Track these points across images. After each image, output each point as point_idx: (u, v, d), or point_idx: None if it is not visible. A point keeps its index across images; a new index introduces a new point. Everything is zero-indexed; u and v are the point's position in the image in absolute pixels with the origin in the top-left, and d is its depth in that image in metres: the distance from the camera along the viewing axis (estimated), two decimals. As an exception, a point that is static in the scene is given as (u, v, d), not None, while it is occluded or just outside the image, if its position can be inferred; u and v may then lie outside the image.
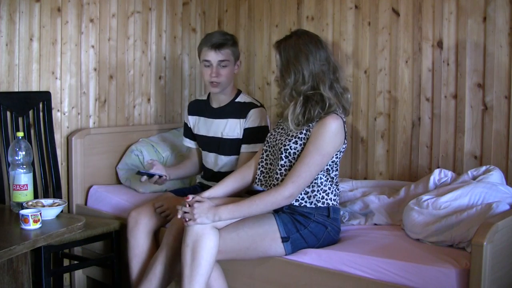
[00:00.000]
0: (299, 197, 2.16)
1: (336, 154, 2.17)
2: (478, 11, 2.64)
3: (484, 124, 2.66)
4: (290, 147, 2.16)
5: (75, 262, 2.84)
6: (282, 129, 2.28)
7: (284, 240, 2.12)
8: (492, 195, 2.14)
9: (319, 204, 2.17)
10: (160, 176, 2.51)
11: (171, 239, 2.26)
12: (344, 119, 2.18)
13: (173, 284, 2.36)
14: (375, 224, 2.43)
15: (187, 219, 2.07)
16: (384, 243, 2.15)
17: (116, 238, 2.66)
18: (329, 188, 2.19)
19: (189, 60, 3.65)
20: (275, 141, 2.25)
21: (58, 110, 2.98)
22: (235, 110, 2.63)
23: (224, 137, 2.63)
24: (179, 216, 2.10)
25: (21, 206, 2.19)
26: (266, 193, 2.12)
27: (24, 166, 2.26)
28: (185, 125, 2.84)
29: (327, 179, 2.19)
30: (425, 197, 2.23)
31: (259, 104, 2.65)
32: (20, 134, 2.31)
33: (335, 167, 2.20)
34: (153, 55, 3.43)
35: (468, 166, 2.65)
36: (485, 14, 2.62)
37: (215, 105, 2.70)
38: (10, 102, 2.71)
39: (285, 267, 2.15)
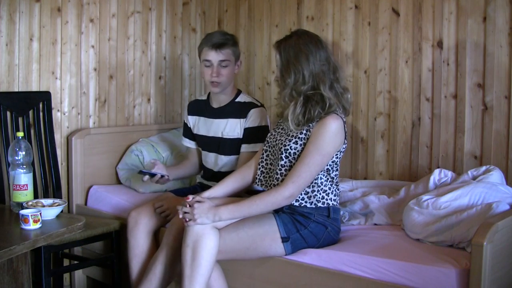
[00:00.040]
0: (299, 197, 2.16)
1: (336, 154, 2.17)
2: (478, 11, 2.64)
3: (484, 124, 2.66)
4: (290, 147, 2.16)
5: (75, 262, 2.84)
6: (282, 129, 2.28)
7: (284, 240, 2.12)
8: (492, 195, 2.14)
9: (319, 204, 2.17)
10: (162, 176, 2.51)
11: (171, 239, 2.26)
12: (344, 119, 2.18)
13: (173, 284, 2.36)
14: (375, 224, 2.43)
15: (187, 219, 2.07)
16: (384, 243, 2.15)
17: (116, 238, 2.66)
18: (329, 188, 2.19)
19: (189, 60, 3.65)
20: (275, 141, 2.25)
21: (58, 110, 2.98)
22: (235, 110, 2.63)
23: (224, 137, 2.63)
24: (180, 216, 2.10)
25: (21, 206, 2.19)
26: (266, 193, 2.12)
27: (24, 166, 2.26)
28: (185, 125, 2.84)
29: (327, 179, 2.19)
30: (425, 197, 2.23)
31: (259, 104, 2.65)
32: (20, 134, 2.31)
33: (335, 167, 2.20)
34: (153, 55, 3.43)
35: (468, 166, 2.65)
36: (485, 14, 2.62)
37: (215, 105, 2.70)
38: (10, 102, 2.71)
39: (285, 267, 2.15)
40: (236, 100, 2.66)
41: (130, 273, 2.45)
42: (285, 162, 2.17)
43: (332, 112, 2.13)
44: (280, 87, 2.24)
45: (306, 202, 2.17)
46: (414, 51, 2.88)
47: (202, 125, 2.73)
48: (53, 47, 2.92)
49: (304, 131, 2.16)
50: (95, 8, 3.09)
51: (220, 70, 2.56)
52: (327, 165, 2.16)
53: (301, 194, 2.16)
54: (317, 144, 2.09)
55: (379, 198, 2.51)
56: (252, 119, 2.59)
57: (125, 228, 2.54)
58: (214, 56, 2.55)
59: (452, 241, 2.04)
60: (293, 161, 2.16)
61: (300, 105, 2.15)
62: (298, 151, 2.15)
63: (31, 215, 1.99)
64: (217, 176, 2.61)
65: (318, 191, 2.17)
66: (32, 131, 2.82)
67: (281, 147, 2.18)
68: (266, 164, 2.29)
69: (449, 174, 2.46)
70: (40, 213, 2.02)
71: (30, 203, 2.19)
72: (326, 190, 2.18)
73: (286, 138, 2.20)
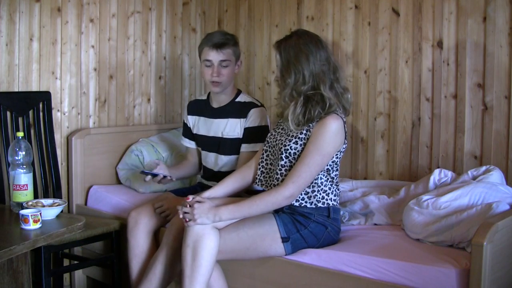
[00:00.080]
0: (299, 197, 2.16)
1: (337, 154, 2.17)
2: (478, 11, 2.64)
3: (484, 124, 2.66)
4: (290, 147, 2.16)
5: (75, 262, 2.85)
6: (282, 129, 2.28)
7: (284, 240, 2.12)
8: (492, 195, 2.14)
9: (319, 204, 2.17)
10: (165, 176, 2.51)
11: (171, 238, 2.26)
12: (344, 119, 2.18)
13: (173, 284, 2.36)
14: (375, 224, 2.43)
15: (187, 220, 2.07)
16: (384, 243, 2.15)
17: (116, 238, 2.66)
18: (329, 188, 2.19)
19: (189, 60, 3.65)
20: (275, 141, 2.25)
21: (58, 110, 2.98)
22: (235, 110, 2.63)
23: (224, 137, 2.63)
24: (180, 216, 2.10)
25: (21, 206, 2.19)
26: (267, 193, 2.12)
27: (24, 166, 2.26)
28: (185, 125, 2.84)
29: (327, 179, 2.19)
30: (425, 197, 2.23)
31: (259, 104, 2.65)
32: (20, 134, 2.31)
33: (335, 167, 2.20)
34: (153, 55, 3.43)
35: (468, 166, 2.65)
36: (485, 14, 2.62)
37: (215, 105, 2.70)
38: (10, 102, 2.71)
39: (285, 267, 2.15)
40: (236, 100, 2.66)
41: (130, 273, 2.46)
42: (285, 162, 2.17)
43: (332, 112, 2.13)
44: (280, 87, 2.23)
45: (306, 202, 2.17)
46: (414, 51, 2.88)
47: (202, 125, 2.73)
48: (53, 47, 2.92)
49: (304, 131, 2.16)
50: (95, 8, 3.09)
51: (221, 70, 2.56)
52: (327, 165, 2.16)
53: (301, 194, 2.16)
54: (317, 144, 2.09)
55: (379, 198, 2.51)
56: (252, 119, 2.59)
57: (125, 228, 2.54)
58: (214, 56, 2.55)
59: (452, 241, 2.04)
60: (293, 161, 2.16)
61: (300, 105, 2.15)
62: (298, 151, 2.15)
63: (31, 215, 1.99)
64: (217, 176, 2.61)
65: (318, 191, 2.17)
66: (32, 131, 2.82)
67: (281, 147, 2.18)
68: (266, 164, 2.29)
69: (449, 174, 2.46)
70: (40, 213, 2.02)
71: (30, 203, 2.19)
72: (326, 190, 2.18)
73: (286, 138, 2.20)
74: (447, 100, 2.78)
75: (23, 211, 2.03)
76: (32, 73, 2.85)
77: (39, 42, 2.85)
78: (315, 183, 2.16)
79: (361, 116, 3.10)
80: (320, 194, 2.17)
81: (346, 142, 2.19)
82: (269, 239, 2.12)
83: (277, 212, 2.18)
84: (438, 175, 2.46)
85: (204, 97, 2.79)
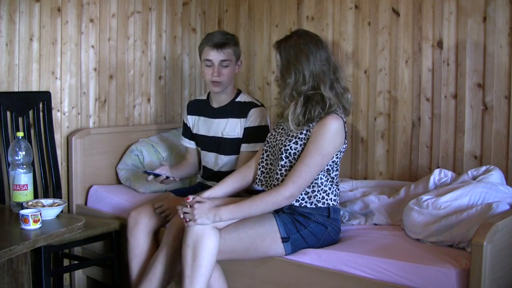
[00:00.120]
0: (299, 198, 2.16)
1: (337, 154, 2.17)
2: (478, 11, 2.64)
3: (484, 124, 2.66)
4: (291, 147, 2.16)
5: (75, 262, 2.85)
6: (282, 129, 2.28)
7: (284, 240, 2.12)
8: (492, 195, 2.14)
9: (319, 205, 2.17)
10: (167, 177, 2.51)
11: (171, 238, 2.26)
12: (345, 119, 2.18)
13: (173, 284, 2.36)
14: (375, 224, 2.43)
15: (187, 220, 2.07)
16: (384, 243, 2.15)
17: (116, 238, 2.66)
18: (330, 188, 2.19)
19: (189, 60, 3.65)
20: (275, 141, 2.25)
21: (58, 110, 2.98)
22: (235, 109, 2.63)
23: (224, 136, 2.63)
24: (181, 216, 2.10)
25: (21, 206, 2.19)
26: (267, 194, 2.12)
27: (24, 166, 2.26)
28: (184, 125, 2.84)
29: (328, 179, 2.19)
30: (425, 197, 2.23)
31: (259, 104, 2.65)
32: (20, 134, 2.31)
33: (336, 167, 2.20)
34: (153, 55, 3.43)
35: (468, 166, 2.65)
36: (485, 14, 2.62)
37: (215, 104, 2.70)
38: (10, 102, 2.71)
39: (285, 267, 2.15)
40: (236, 100, 2.66)
41: (130, 273, 2.45)
42: (285, 162, 2.17)
43: (332, 112, 2.13)
44: (280, 87, 2.23)
45: (306, 202, 2.17)
46: (414, 51, 2.88)
47: (202, 125, 2.73)
48: (53, 47, 2.92)
49: (304, 131, 2.16)
50: (95, 8, 3.09)
51: (221, 70, 2.56)
52: (327, 165, 2.16)
53: (301, 194, 2.16)
54: (317, 144, 2.09)
55: (379, 198, 2.51)
56: (252, 118, 2.59)
57: (125, 228, 2.54)
58: (215, 56, 2.55)
59: (452, 241, 2.04)
60: (293, 161, 2.16)
61: (300, 105, 2.15)
62: (298, 151, 2.15)
63: (31, 215, 1.99)
64: (217, 176, 2.61)
65: (318, 191, 2.17)
66: (32, 131, 2.82)
67: (281, 147, 2.18)
68: (266, 164, 2.29)
69: (449, 174, 2.46)
70: (40, 213, 2.02)
71: (30, 203, 2.19)
72: (326, 190, 2.18)
73: (286, 138, 2.20)
74: (447, 100, 2.78)
75: (23, 211, 2.03)
76: (32, 73, 2.85)
77: (39, 42, 2.85)
78: (315, 183, 2.16)
79: (361, 116, 3.10)
80: (320, 194, 2.17)
81: (346, 142, 2.19)
82: (269, 239, 2.12)
83: (277, 212, 2.18)
84: (438, 175, 2.46)
85: (204, 97, 2.79)
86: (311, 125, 2.15)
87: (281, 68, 2.20)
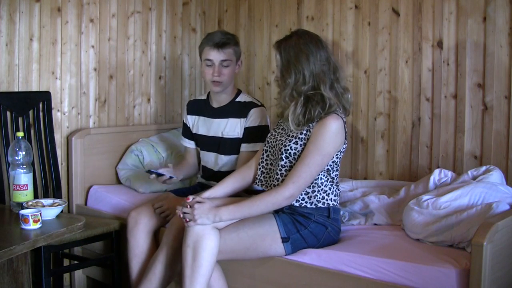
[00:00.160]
0: (299, 198, 2.16)
1: (337, 154, 2.17)
2: (478, 11, 2.64)
3: (484, 124, 2.66)
4: (291, 147, 2.16)
5: (75, 262, 2.85)
6: (282, 129, 2.28)
7: (284, 240, 2.12)
8: (492, 195, 2.14)
9: (320, 205, 2.17)
10: (171, 177, 2.50)
11: (171, 238, 2.26)
12: (345, 119, 2.18)
13: (173, 284, 2.36)
14: (375, 224, 2.43)
15: (187, 219, 2.07)
16: (384, 243, 2.15)
17: (116, 238, 2.66)
18: (330, 189, 2.19)
19: (189, 60, 3.65)
20: (275, 142, 2.25)
21: (58, 110, 2.98)
22: (235, 109, 2.63)
23: (224, 136, 2.63)
24: (181, 216, 2.10)
25: (21, 206, 2.19)
26: (267, 194, 2.12)
27: (24, 166, 2.26)
28: (184, 125, 2.84)
29: (328, 179, 2.18)
30: (425, 197, 2.23)
31: (259, 104, 2.65)
32: (20, 134, 2.31)
33: (336, 167, 2.20)
34: (153, 55, 3.43)
35: (468, 166, 2.65)
36: (485, 14, 2.62)
37: (215, 104, 2.70)
38: (10, 102, 2.71)
39: (285, 267, 2.15)
40: (237, 100, 2.66)
41: (130, 273, 2.45)
42: (285, 163, 2.17)
43: (332, 112, 2.13)
44: (280, 87, 2.23)
45: (306, 202, 2.17)
46: (414, 51, 2.88)
47: (202, 125, 2.73)
48: (53, 47, 2.92)
49: (304, 131, 2.15)
50: (95, 8, 3.09)
51: (222, 70, 2.56)
52: (327, 165, 2.16)
53: (301, 195, 2.16)
54: (318, 144, 2.09)
55: (379, 198, 2.51)
56: (253, 118, 2.59)
57: (125, 228, 2.54)
58: (215, 56, 2.55)
59: (452, 241, 2.04)
60: (293, 161, 2.16)
61: (300, 105, 2.15)
62: (298, 151, 2.15)
63: (31, 215, 1.99)
64: (217, 176, 2.61)
65: (318, 191, 2.17)
66: (32, 131, 2.82)
67: (281, 148, 2.18)
68: (266, 164, 2.29)
69: (449, 174, 2.46)
70: (40, 213, 2.02)
71: (30, 203, 2.18)
72: (326, 191, 2.18)
73: (286, 139, 2.19)
74: (447, 100, 2.78)
75: (23, 211, 2.03)
76: (32, 73, 2.85)
77: (39, 42, 2.85)
78: (315, 183, 2.16)
79: (361, 116, 3.10)
80: (320, 194, 2.17)
81: (346, 142, 2.19)
82: (269, 239, 2.12)
83: (277, 212, 2.18)
84: (438, 175, 2.46)
85: (204, 97, 2.79)
86: (311, 125, 2.15)
87: (281, 68, 2.20)
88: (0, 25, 2.71)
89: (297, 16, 3.35)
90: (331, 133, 2.09)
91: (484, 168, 2.38)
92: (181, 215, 2.09)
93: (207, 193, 2.24)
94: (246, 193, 2.47)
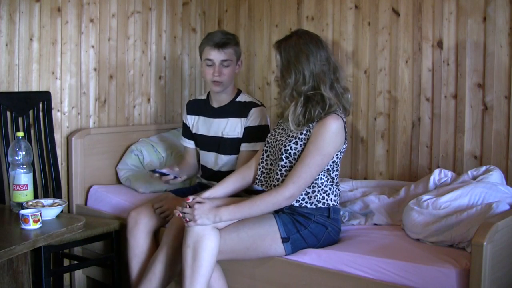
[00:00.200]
0: (299, 198, 2.16)
1: (337, 154, 2.17)
2: (478, 11, 2.64)
3: (484, 124, 2.66)
4: (291, 147, 2.16)
5: (75, 262, 2.85)
6: (282, 129, 2.28)
7: (284, 240, 2.12)
8: (492, 195, 2.14)
9: (320, 205, 2.17)
10: (175, 177, 2.49)
11: (171, 238, 2.26)
12: (345, 119, 2.18)
13: (173, 284, 2.36)
14: (375, 224, 2.43)
15: (187, 219, 2.07)
16: (384, 243, 2.15)
17: (116, 238, 2.66)
18: (330, 189, 2.19)
19: (189, 60, 3.65)
20: (275, 142, 2.25)
21: (58, 110, 2.98)
22: (236, 109, 2.63)
23: (224, 136, 2.63)
24: (176, 215, 2.10)
25: (21, 206, 2.19)
26: (267, 194, 2.12)
27: (24, 166, 2.26)
28: (184, 125, 2.84)
29: (328, 179, 2.18)
30: (425, 197, 2.23)
31: (259, 103, 2.65)
32: (20, 134, 2.31)
33: (336, 168, 2.20)
34: (153, 55, 3.43)
35: (468, 166, 2.65)
36: (485, 14, 2.62)
37: (215, 104, 2.70)
38: (10, 102, 2.71)
39: (285, 267, 2.15)
40: (237, 99, 2.66)
41: (130, 273, 2.46)
42: (285, 163, 2.17)
43: (332, 112, 2.13)
44: (281, 87, 2.23)
45: (306, 202, 2.17)
46: (414, 51, 2.88)
47: (202, 125, 2.73)
48: (53, 47, 2.92)
49: (304, 132, 2.15)
50: (95, 8, 3.09)
51: (222, 70, 2.56)
52: (327, 166, 2.16)
53: (302, 195, 2.16)
54: (318, 144, 2.09)
55: (379, 198, 2.51)
56: (253, 118, 2.59)
57: (125, 228, 2.54)
58: (216, 55, 2.55)
59: (452, 241, 2.04)
60: (293, 161, 2.16)
61: (300, 105, 2.15)
62: (298, 151, 2.15)
63: (31, 215, 1.99)
64: (217, 175, 2.61)
65: (318, 191, 2.17)
66: (32, 131, 2.82)
67: (281, 148, 2.18)
68: (266, 164, 2.29)
69: (449, 174, 2.46)
70: (40, 213, 2.02)
71: (30, 203, 2.18)
72: (326, 191, 2.18)
73: (286, 139, 2.19)
74: (447, 100, 2.78)
75: (23, 211, 2.03)
76: (32, 73, 2.85)
77: (39, 42, 2.85)
78: (315, 183, 2.16)
79: (361, 116, 3.10)
80: (321, 194, 2.17)
81: (346, 142, 2.19)
82: (269, 239, 2.12)
83: (277, 212, 2.18)
84: (438, 175, 2.46)
85: (204, 97, 2.78)
86: (311, 125, 2.15)
87: (281, 68, 2.20)
88: (0, 25, 2.71)
89: (297, 16, 3.35)
90: (331, 133, 2.09)
91: (484, 168, 2.38)
92: (181, 215, 2.09)
93: (207, 193, 2.23)
94: (246, 193, 2.47)
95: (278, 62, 2.21)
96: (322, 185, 2.17)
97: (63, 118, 3.01)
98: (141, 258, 2.44)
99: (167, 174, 2.47)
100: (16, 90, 2.78)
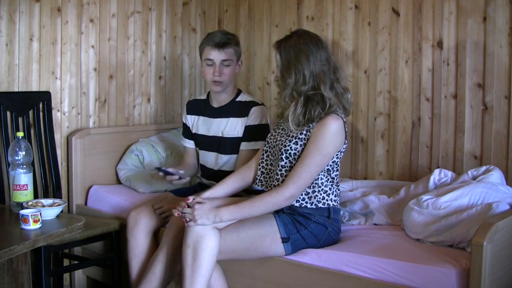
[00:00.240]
0: (299, 198, 2.16)
1: (337, 155, 2.17)
2: (478, 11, 2.64)
3: (484, 124, 2.66)
4: (291, 147, 2.16)
5: (75, 262, 2.85)
6: (282, 129, 2.28)
7: (284, 240, 2.12)
8: (492, 195, 2.14)
9: (320, 205, 2.17)
10: (180, 178, 2.49)
11: (170, 238, 2.26)
12: (345, 119, 2.18)
13: (173, 284, 2.36)
14: (375, 224, 2.43)
15: (188, 219, 2.07)
16: (384, 243, 2.15)
17: (116, 238, 2.66)
18: (330, 189, 2.19)
19: (189, 60, 3.65)
20: (275, 142, 2.25)
21: (58, 110, 2.98)
22: (236, 109, 2.63)
23: (224, 136, 2.63)
24: (175, 215, 2.10)
25: (21, 206, 2.19)
26: (267, 194, 2.12)
27: (24, 166, 2.26)
28: (184, 125, 2.83)
29: (328, 179, 2.18)
30: (425, 197, 2.23)
31: (260, 102, 2.65)
32: (20, 134, 2.31)
33: (336, 168, 2.20)
34: (153, 55, 3.43)
35: (468, 166, 2.65)
36: (485, 14, 2.62)
37: (215, 104, 2.70)
38: (10, 102, 2.71)
39: (285, 267, 2.15)
40: (237, 99, 2.66)
41: (130, 273, 2.45)
42: (285, 163, 2.17)
43: (333, 112, 2.13)
44: (281, 87, 2.23)
45: (306, 202, 2.17)
46: (414, 51, 2.88)
47: (202, 125, 2.73)
48: (53, 47, 2.92)
49: (304, 132, 2.15)
50: (95, 8, 3.09)
51: (223, 69, 2.56)
52: (327, 166, 2.16)
53: (302, 195, 2.16)
54: (318, 144, 2.09)
55: (379, 198, 2.51)
56: (254, 117, 2.59)
57: (125, 228, 2.53)
58: (216, 55, 2.55)
59: (452, 241, 2.04)
60: (293, 161, 2.15)
61: (300, 105, 2.15)
62: (298, 151, 2.15)
63: (31, 215, 1.99)
64: (218, 175, 2.61)
65: (318, 191, 2.16)
66: (32, 131, 2.82)
67: (281, 148, 2.18)
68: (266, 164, 2.29)
69: (449, 174, 2.46)
70: (40, 213, 2.02)
71: (30, 203, 2.18)
72: (326, 191, 2.18)
73: (286, 139, 2.19)
74: (447, 100, 2.78)
75: (23, 211, 2.03)
76: (32, 73, 2.85)
77: (39, 42, 2.85)
78: (316, 183, 2.16)
79: (361, 116, 3.10)
80: (321, 194, 2.17)
81: (346, 142, 2.19)
82: (269, 239, 2.12)
83: (277, 212, 2.18)
84: (438, 175, 2.46)
85: (204, 97, 2.78)
86: (311, 125, 2.15)
87: (281, 68, 2.20)
88: (0, 25, 2.71)
89: (297, 16, 3.35)
90: (331, 133, 2.09)
91: (484, 168, 2.38)
92: (180, 215, 2.09)
93: (207, 193, 2.23)
94: (246, 193, 2.47)
95: (278, 62, 2.21)
96: (322, 185, 2.17)
97: (63, 118, 3.01)
98: (141, 258, 2.44)
99: (173, 174, 2.46)
100: (16, 90, 2.78)
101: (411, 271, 1.90)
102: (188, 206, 2.09)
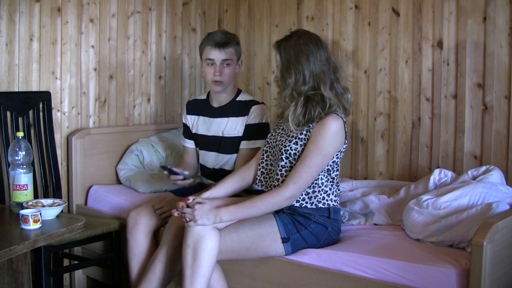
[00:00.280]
0: (299, 198, 2.16)
1: (337, 155, 2.17)
2: (478, 11, 2.64)
3: (484, 124, 2.66)
4: (291, 147, 2.16)
5: (75, 262, 2.85)
6: (282, 129, 2.28)
7: (284, 240, 2.12)
8: (492, 195, 2.14)
9: (320, 205, 2.17)
10: (185, 178, 2.48)
11: (170, 238, 2.26)
12: (345, 119, 2.18)
13: (173, 284, 2.36)
14: (375, 224, 2.43)
15: (188, 219, 2.07)
16: (384, 243, 2.15)
17: (116, 238, 2.66)
18: (330, 189, 2.19)
19: (189, 60, 3.65)
20: (275, 142, 2.25)
21: (58, 110, 2.98)
22: (236, 108, 2.63)
23: (225, 135, 2.63)
24: (175, 215, 2.10)
25: (21, 206, 2.19)
26: (267, 194, 2.12)
27: (24, 166, 2.26)
28: (184, 125, 2.83)
29: (328, 179, 2.18)
30: (425, 197, 2.23)
31: (260, 102, 2.65)
32: (20, 134, 2.31)
33: (336, 168, 2.20)
34: (153, 55, 3.43)
35: (468, 166, 2.65)
36: (485, 14, 2.62)
37: (215, 104, 2.70)
38: (10, 102, 2.71)
39: (285, 267, 2.15)
40: (237, 99, 2.67)
41: (130, 273, 2.45)
42: (285, 163, 2.17)
43: (333, 112, 2.13)
44: (281, 87, 2.23)
45: (306, 202, 2.17)
46: (414, 51, 2.88)
47: (202, 125, 2.73)
48: (53, 47, 2.92)
49: (304, 132, 2.15)
50: (95, 8, 3.09)
51: (223, 69, 2.56)
52: (327, 166, 2.16)
53: (302, 195, 2.16)
54: (318, 144, 2.09)
55: (379, 198, 2.51)
56: (254, 115, 2.59)
57: (125, 228, 2.53)
58: (217, 55, 2.55)
59: (452, 241, 2.04)
60: (293, 161, 2.15)
61: (300, 105, 2.15)
62: (298, 151, 2.15)
63: (31, 215, 1.99)
64: (218, 174, 2.61)
65: (318, 191, 2.16)
66: (32, 131, 2.82)
67: (281, 148, 2.18)
68: (266, 164, 2.29)
69: (449, 174, 2.46)
70: (40, 213, 2.02)
71: (30, 203, 2.18)
72: (326, 191, 2.18)
73: (286, 139, 2.19)
74: (447, 100, 2.78)
75: (23, 211, 2.03)
76: (32, 73, 2.85)
77: (39, 42, 2.85)
78: (316, 183, 2.16)
79: (361, 116, 3.10)
80: (321, 194, 2.17)
81: (346, 142, 2.19)
82: (269, 239, 2.12)
83: (277, 212, 2.18)
84: (438, 175, 2.46)
85: (204, 97, 2.78)
86: (311, 125, 2.15)
87: (281, 68, 2.19)
88: (0, 25, 2.71)
89: (297, 16, 3.35)
90: (331, 133, 2.09)
91: (484, 168, 2.38)
92: (180, 215, 2.09)
93: (207, 194, 2.23)
94: (246, 193, 2.47)
95: (278, 62, 2.21)
96: (322, 185, 2.17)
97: (63, 118, 3.01)
98: (141, 258, 2.44)
99: (177, 173, 2.46)
100: (16, 90, 2.78)
101: (411, 271, 1.90)
102: (188, 206, 2.09)
